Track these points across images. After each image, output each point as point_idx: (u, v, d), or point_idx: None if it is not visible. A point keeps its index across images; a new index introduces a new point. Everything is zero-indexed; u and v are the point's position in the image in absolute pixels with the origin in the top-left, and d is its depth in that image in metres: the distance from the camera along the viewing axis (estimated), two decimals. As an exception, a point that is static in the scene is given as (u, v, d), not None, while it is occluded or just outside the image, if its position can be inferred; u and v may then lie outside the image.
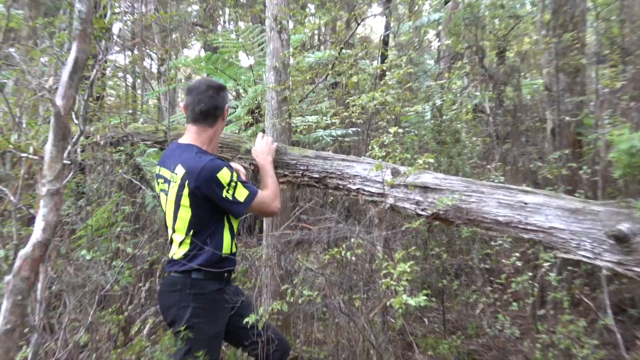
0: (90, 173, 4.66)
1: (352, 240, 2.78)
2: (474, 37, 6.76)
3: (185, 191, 2.38)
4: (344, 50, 4.80)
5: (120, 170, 4.40)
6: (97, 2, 2.94)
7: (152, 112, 13.32)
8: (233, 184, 2.41)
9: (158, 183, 2.59)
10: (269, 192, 2.61)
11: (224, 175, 2.37)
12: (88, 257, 2.99)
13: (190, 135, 2.54)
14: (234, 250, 2.52)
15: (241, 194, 2.44)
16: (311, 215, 4.52)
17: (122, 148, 4.33)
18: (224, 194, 2.38)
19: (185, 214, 2.42)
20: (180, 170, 2.40)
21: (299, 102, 4.28)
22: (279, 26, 4.26)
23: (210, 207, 2.41)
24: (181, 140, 2.57)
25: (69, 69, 1.65)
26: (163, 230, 4.16)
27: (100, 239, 3.68)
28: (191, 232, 2.42)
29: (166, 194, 2.50)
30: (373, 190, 2.76)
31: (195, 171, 2.35)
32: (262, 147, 2.95)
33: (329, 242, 3.41)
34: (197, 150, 2.46)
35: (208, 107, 2.50)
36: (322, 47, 11.89)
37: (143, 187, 4.82)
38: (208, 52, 7.76)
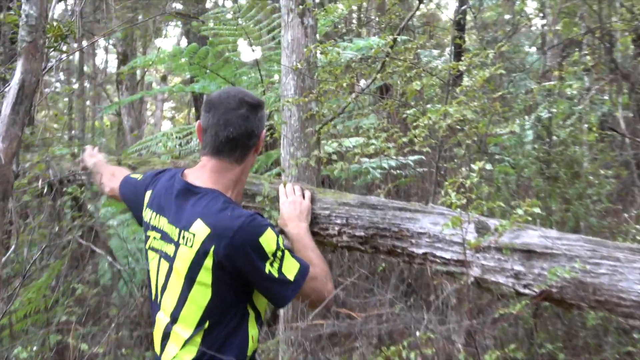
0: (17, 232, 4.81)
1: (418, 333, 2.80)
2: (597, 15, 6.83)
3: (208, 262, 2.36)
4: (399, 38, 4.90)
5: (64, 226, 4.53)
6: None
7: (109, 134, 13.63)
8: (279, 253, 2.40)
9: (148, 237, 2.62)
10: (318, 270, 2.60)
11: (268, 241, 2.37)
12: (23, 355, 3.08)
13: (208, 173, 2.56)
14: (256, 346, 2.51)
15: (290, 268, 2.43)
16: (353, 293, 4.55)
17: (68, 190, 4.48)
18: (267, 268, 2.37)
19: (202, 296, 2.39)
20: (200, 229, 2.38)
21: (332, 120, 4.39)
22: (300, 6, 4.42)
23: (236, 286, 2.40)
24: (193, 179, 2.59)
25: (11, 97, 1.73)
26: (131, 316, 4.25)
27: (41, 333, 3.79)
28: (205, 325, 2.39)
29: (169, 260, 2.49)
30: (448, 255, 2.79)
31: (227, 233, 2.33)
32: (291, 211, 3.00)
33: (381, 337, 3.43)
34: (225, 200, 2.47)
35: (239, 133, 2.53)
36: (363, 32, 12.10)
37: (96, 251, 4.95)
38: (192, 44, 8.00)
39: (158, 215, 2.59)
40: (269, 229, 2.38)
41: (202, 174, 2.57)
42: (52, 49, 2.72)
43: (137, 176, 2.98)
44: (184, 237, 2.42)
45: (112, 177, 3.28)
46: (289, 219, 2.95)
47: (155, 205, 2.62)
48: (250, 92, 2.63)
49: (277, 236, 2.40)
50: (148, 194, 2.74)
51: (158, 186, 2.69)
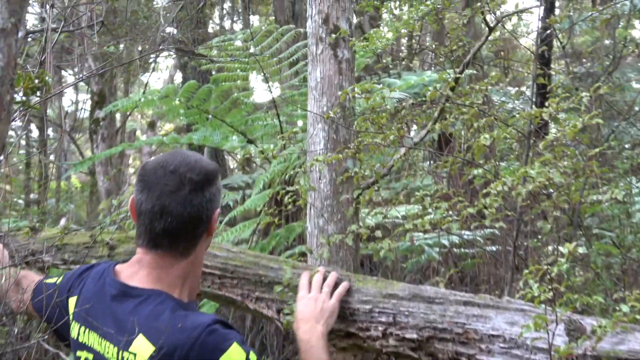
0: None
1: None
2: None
3: None
4: (466, 73, 4.95)
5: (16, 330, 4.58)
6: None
7: (79, 198, 13.68)
8: None
9: (78, 358, 2.63)
10: None
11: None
12: None
13: (146, 270, 2.57)
14: None
15: None
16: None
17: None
18: None
19: None
20: (143, 348, 2.38)
21: (374, 183, 4.43)
22: (333, 34, 4.51)
23: None
24: (127, 277, 2.59)
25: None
26: None
27: None
28: None
29: None
30: (530, 366, 2.80)
31: (178, 352, 2.34)
32: (307, 310, 3.05)
33: None
34: (173, 305, 2.47)
35: (180, 223, 2.53)
36: (414, 64, 12.23)
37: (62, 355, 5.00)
38: (190, 82, 8.15)
39: (87, 330, 2.59)
40: (235, 344, 2.37)
41: (138, 269, 2.58)
42: (21, 106, 2.79)
43: (54, 279, 2.95)
44: (123, 359, 2.42)
45: (16, 286, 3.16)
46: (302, 319, 3.00)
47: (83, 317, 2.61)
48: (198, 158, 2.62)
49: (247, 353, 2.39)
50: (72, 301, 2.74)
51: (85, 289, 2.70)
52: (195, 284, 2.67)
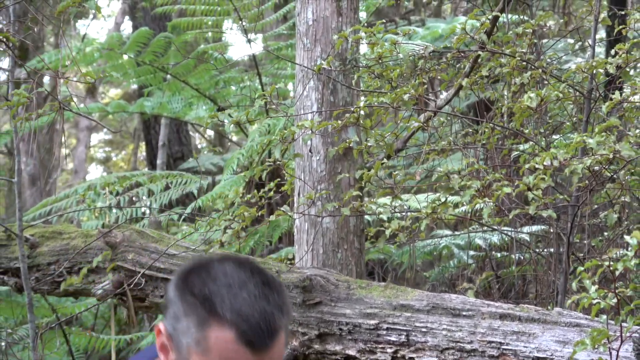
0: None
1: None
2: None
3: None
4: (504, 17, 4.92)
5: None
6: None
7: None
8: None
9: None
10: None
11: None
12: None
13: None
14: None
15: None
16: None
17: None
18: None
19: None
20: None
21: (385, 160, 4.42)
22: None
23: None
24: None
25: None
26: None
27: None
28: None
29: None
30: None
31: None
32: None
33: None
34: None
35: None
36: (445, 10, 12.22)
37: None
38: (142, 29, 8.11)
39: None
40: None
41: None
42: None
43: None
44: None
45: None
46: None
47: None
48: None
49: None
50: None
51: None
52: None
